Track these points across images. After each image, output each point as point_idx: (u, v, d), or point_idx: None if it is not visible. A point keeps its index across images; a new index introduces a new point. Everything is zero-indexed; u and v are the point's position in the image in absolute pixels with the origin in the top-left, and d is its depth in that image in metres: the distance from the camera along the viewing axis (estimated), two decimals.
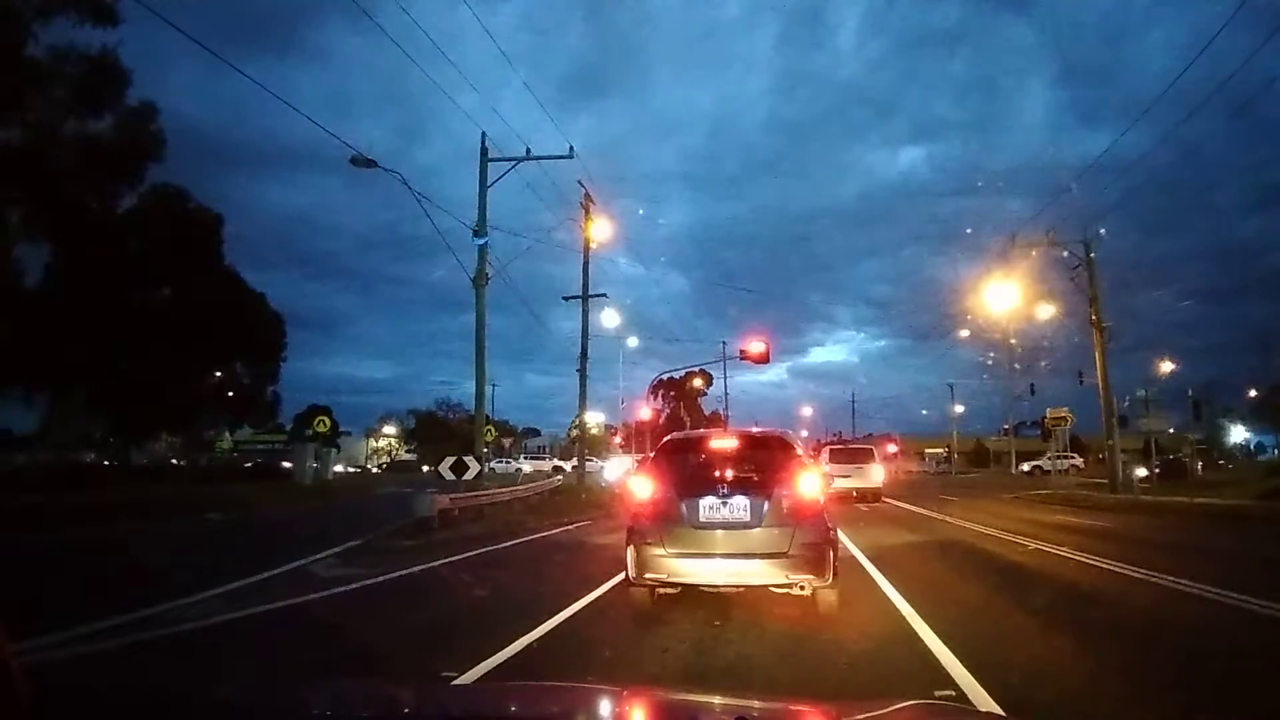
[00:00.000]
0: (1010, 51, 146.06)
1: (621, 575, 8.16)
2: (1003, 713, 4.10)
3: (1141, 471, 28.35)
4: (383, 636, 6.91)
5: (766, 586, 7.11)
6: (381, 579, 10.13)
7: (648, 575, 7.11)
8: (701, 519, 7.03)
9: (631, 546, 7.21)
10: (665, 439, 8.69)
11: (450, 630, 7.17)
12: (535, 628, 6.73)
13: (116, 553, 13.56)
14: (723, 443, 7.95)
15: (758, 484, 7.16)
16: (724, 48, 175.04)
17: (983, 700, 4.59)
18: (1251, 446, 58.84)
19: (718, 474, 7.27)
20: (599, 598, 8.36)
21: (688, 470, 7.54)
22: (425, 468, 65.24)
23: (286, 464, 44.46)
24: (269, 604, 8.16)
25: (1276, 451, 50.63)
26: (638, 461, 35.88)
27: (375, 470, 73.24)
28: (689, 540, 7.03)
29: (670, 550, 7.02)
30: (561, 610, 7.50)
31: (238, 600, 8.39)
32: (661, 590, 7.35)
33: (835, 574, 7.01)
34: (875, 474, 27.54)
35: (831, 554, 7.04)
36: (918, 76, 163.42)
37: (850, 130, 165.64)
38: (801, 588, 6.94)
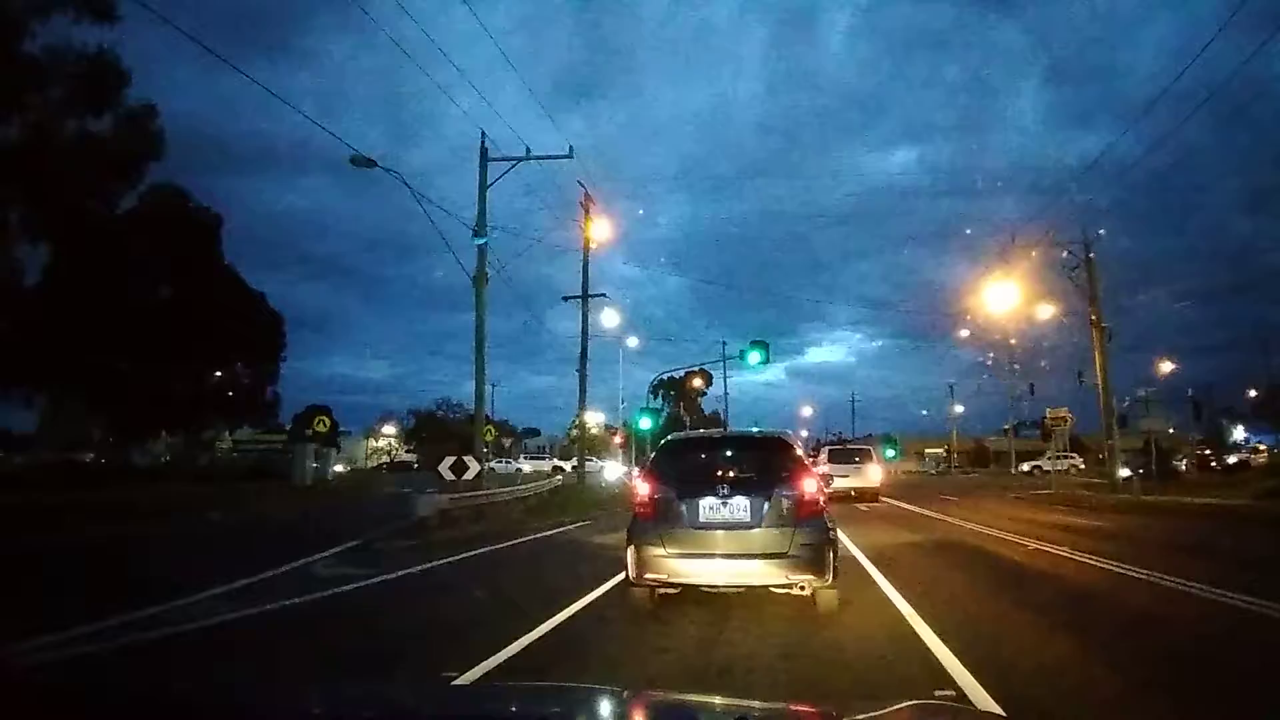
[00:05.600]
0: (1002, 53, 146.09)
1: (621, 575, 8.17)
2: (1003, 713, 4.10)
3: (1125, 472, 28.37)
4: (383, 637, 6.91)
5: (767, 586, 7.13)
6: (381, 579, 10.13)
7: (648, 575, 7.12)
8: (701, 519, 7.04)
9: (632, 546, 7.22)
10: (665, 439, 8.69)
11: (450, 630, 7.17)
12: (535, 628, 6.73)
13: (116, 552, 13.56)
14: (723, 443, 7.96)
15: (757, 484, 7.17)
16: (716, 50, 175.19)
17: (983, 700, 4.58)
18: (1250, 445, 58.69)
19: (718, 474, 7.27)
20: (599, 598, 8.36)
21: (688, 471, 7.54)
22: (416, 466, 65.09)
23: None
24: (269, 604, 8.16)
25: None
26: (637, 464, 35.88)
27: (378, 468, 73.19)
28: (689, 540, 7.04)
29: (670, 550, 7.03)
30: (561, 610, 7.50)
31: (238, 600, 8.39)
32: (662, 590, 7.36)
33: (835, 574, 7.03)
34: (874, 474, 27.61)
35: (831, 554, 7.05)
36: (910, 78, 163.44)
37: (844, 131, 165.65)
38: (801, 588, 6.96)
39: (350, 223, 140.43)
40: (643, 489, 7.55)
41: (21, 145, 24.33)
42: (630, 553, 7.22)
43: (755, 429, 12.75)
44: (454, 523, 16.57)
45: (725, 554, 6.98)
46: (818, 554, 6.90)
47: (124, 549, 14.06)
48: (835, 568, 7.05)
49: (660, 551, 7.05)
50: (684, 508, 7.10)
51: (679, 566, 7.04)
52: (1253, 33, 17.48)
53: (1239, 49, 18.60)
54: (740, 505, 7.04)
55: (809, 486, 7.21)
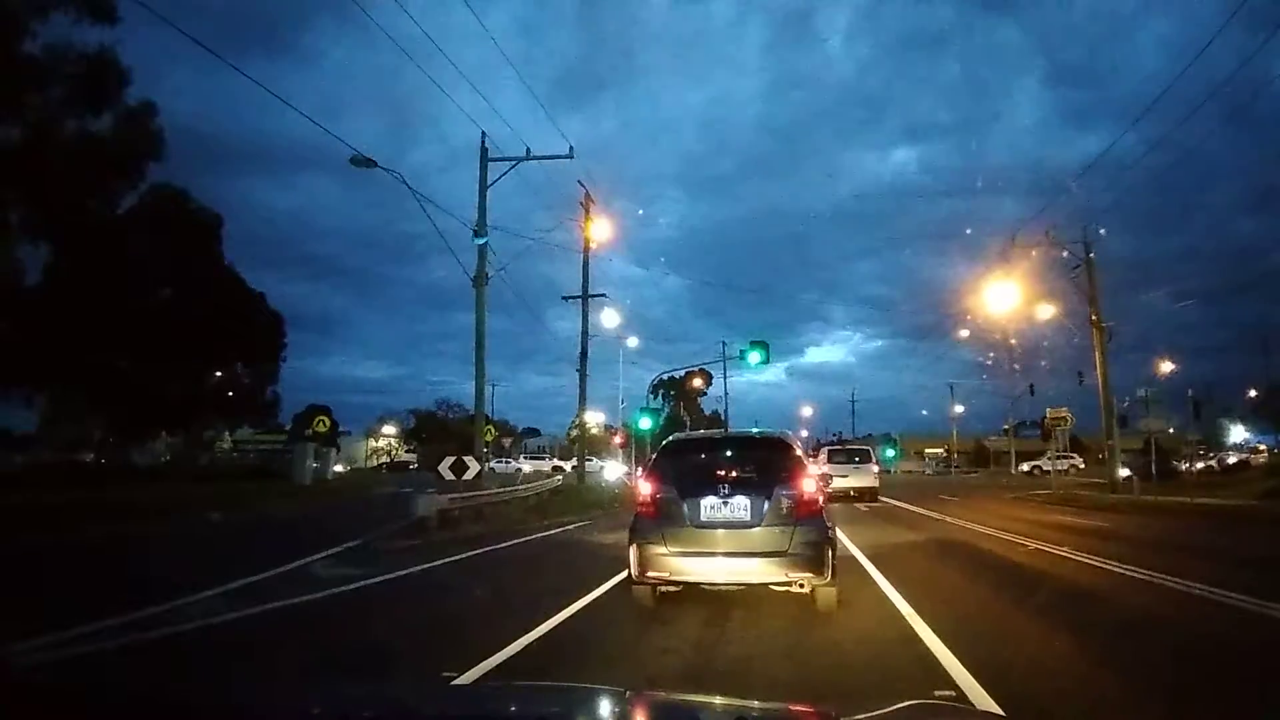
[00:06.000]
0: (1002, 53, 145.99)
1: (622, 575, 8.18)
2: (1003, 713, 4.10)
3: (1125, 472, 28.39)
4: (382, 637, 6.91)
5: (766, 585, 7.18)
6: (381, 579, 10.13)
7: (650, 573, 7.17)
8: (703, 518, 7.09)
9: (634, 545, 7.27)
10: (667, 440, 8.72)
11: (450, 630, 7.18)
12: (535, 627, 6.73)
13: (116, 552, 13.56)
14: (723, 443, 7.99)
15: (758, 484, 7.21)
16: (716, 49, 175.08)
17: (982, 700, 4.59)
18: (1250, 445, 58.62)
19: (719, 474, 7.31)
20: (599, 598, 8.36)
21: (689, 470, 7.58)
22: (414, 466, 65.05)
23: None
24: (269, 604, 8.16)
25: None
26: (637, 464, 35.91)
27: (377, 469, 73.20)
28: (690, 539, 7.09)
29: (672, 549, 7.08)
30: (562, 610, 7.51)
31: (238, 600, 8.38)
32: (663, 589, 7.40)
33: (834, 572, 7.06)
34: (873, 473, 27.68)
35: (830, 553, 7.08)
36: (910, 78, 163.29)
37: (844, 131, 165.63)
38: (801, 586, 7.00)
39: (350, 222, 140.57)
40: (645, 488, 7.59)
41: (21, 145, 24.33)
42: (633, 551, 7.27)
43: (755, 429, 12.78)
44: (454, 523, 16.58)
45: (726, 552, 7.03)
46: (817, 552, 6.94)
47: (124, 549, 14.06)
48: (834, 566, 7.09)
49: (662, 550, 7.09)
50: (685, 507, 7.14)
51: (680, 565, 7.08)
52: (1253, 33, 17.51)
53: (1239, 49, 18.62)
54: (741, 504, 7.08)
55: (808, 486, 7.25)
